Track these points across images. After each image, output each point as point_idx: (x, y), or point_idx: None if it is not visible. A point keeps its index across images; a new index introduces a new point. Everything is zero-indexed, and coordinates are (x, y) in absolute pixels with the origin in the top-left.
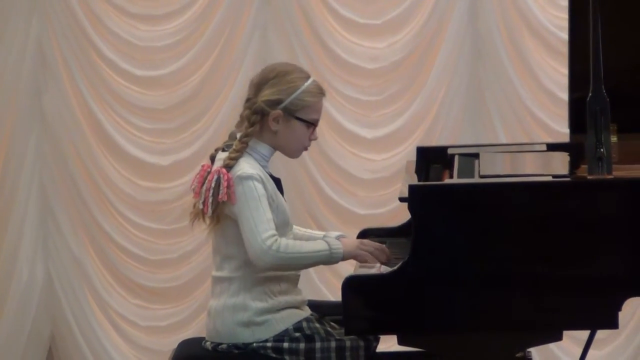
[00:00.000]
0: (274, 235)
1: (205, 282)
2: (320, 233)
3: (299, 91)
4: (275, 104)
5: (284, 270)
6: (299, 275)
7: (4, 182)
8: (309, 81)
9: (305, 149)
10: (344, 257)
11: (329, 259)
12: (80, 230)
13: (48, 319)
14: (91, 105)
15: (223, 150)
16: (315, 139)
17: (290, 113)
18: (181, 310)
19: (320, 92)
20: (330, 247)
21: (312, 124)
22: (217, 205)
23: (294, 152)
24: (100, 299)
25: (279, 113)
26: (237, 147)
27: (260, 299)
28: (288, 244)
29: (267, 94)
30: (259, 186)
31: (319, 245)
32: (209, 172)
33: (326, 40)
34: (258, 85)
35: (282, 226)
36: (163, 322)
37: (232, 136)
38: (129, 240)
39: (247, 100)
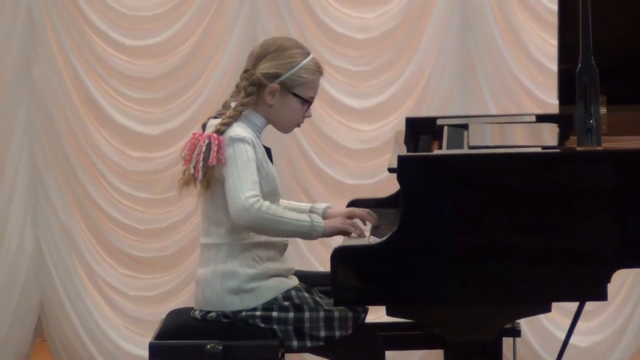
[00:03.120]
0: (257, 196)
1: (194, 252)
2: (307, 205)
3: (297, 67)
4: (272, 77)
5: (261, 233)
6: (286, 244)
7: None
8: (308, 58)
9: (298, 125)
10: (325, 233)
11: (309, 230)
12: (69, 199)
13: (37, 288)
14: (81, 75)
15: (214, 118)
16: (309, 116)
17: (287, 88)
18: (170, 280)
19: (318, 70)
20: (312, 220)
21: (307, 101)
22: (207, 170)
23: (286, 127)
24: (89, 269)
25: (275, 87)
26: (230, 114)
27: (248, 265)
28: (270, 206)
29: (265, 67)
30: (250, 149)
31: (302, 217)
32: (200, 140)
33: (316, 10)
34: (258, 57)
35: (270, 194)
36: (152, 292)
37: (226, 105)
38: (118, 209)
39: (245, 71)
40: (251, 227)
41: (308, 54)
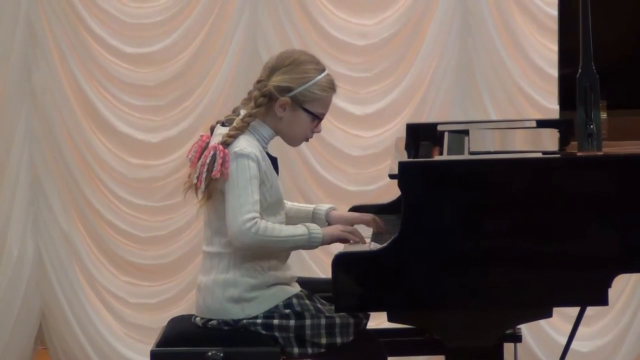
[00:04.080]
0: (254, 218)
1: (195, 260)
2: (311, 206)
3: (310, 83)
4: (285, 90)
5: (261, 251)
6: (288, 253)
7: None
8: (322, 74)
9: (307, 140)
10: (324, 241)
11: (308, 243)
12: (70, 207)
13: (38, 296)
14: (81, 83)
15: (223, 124)
16: (319, 132)
17: (299, 103)
18: (171, 288)
19: (331, 88)
20: (310, 231)
21: (317, 117)
22: (210, 182)
23: (294, 141)
24: (90, 276)
25: (287, 101)
26: (238, 126)
27: (250, 275)
28: (267, 227)
29: (278, 80)
30: (253, 166)
31: (299, 230)
32: (207, 144)
33: (316, 17)
34: (272, 69)
35: (275, 205)
36: (153, 300)
37: (235, 111)
38: (119, 217)
39: (259, 81)
40: (249, 248)
41: (323, 70)
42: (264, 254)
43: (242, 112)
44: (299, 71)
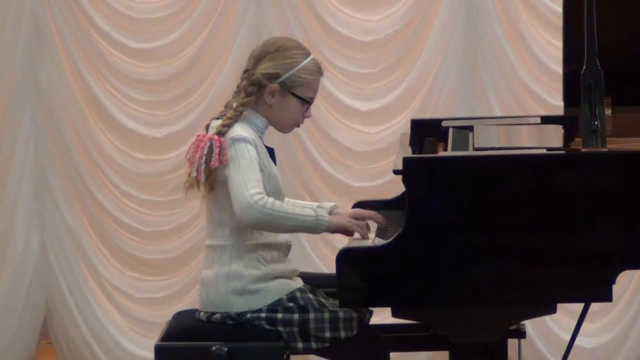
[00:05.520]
0: (261, 193)
1: (200, 254)
2: (314, 204)
3: (297, 67)
4: (272, 77)
5: (267, 230)
6: (290, 245)
7: None
8: (309, 59)
9: (298, 125)
10: (329, 228)
11: (314, 225)
12: (74, 201)
13: (43, 290)
14: (86, 77)
15: (217, 119)
16: (309, 116)
17: (287, 88)
18: (175, 282)
19: (318, 71)
20: (317, 215)
21: (307, 102)
22: (209, 172)
23: (285, 127)
24: (95, 271)
25: (275, 87)
26: (231, 115)
27: (252, 267)
28: (275, 202)
29: (265, 67)
30: (251, 148)
31: (307, 211)
32: (202, 143)
33: (321, 13)
34: (258, 57)
35: (274, 194)
36: (157, 294)
37: (227, 106)
38: (123, 212)
39: (246, 71)
40: (256, 224)
41: (308, 54)
42: (264, 244)
43: (234, 105)
44: (285, 57)
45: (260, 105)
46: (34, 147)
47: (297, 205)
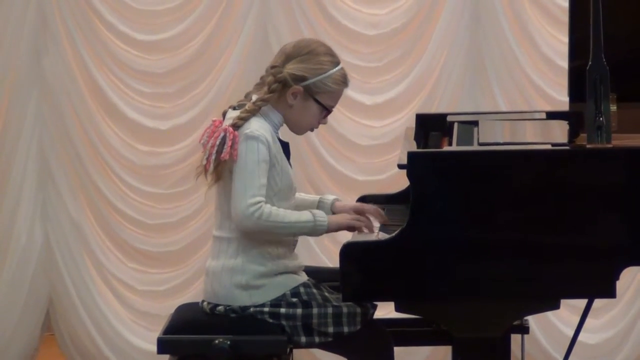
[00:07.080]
0: (258, 203)
1: (204, 247)
2: (316, 197)
3: (324, 75)
4: (299, 79)
5: (267, 237)
6: (296, 241)
7: (2, 145)
8: (337, 68)
9: (312, 129)
10: (329, 229)
11: (313, 230)
12: (78, 193)
13: (46, 282)
14: (91, 69)
15: (235, 109)
16: (325, 123)
17: (310, 93)
18: (179, 275)
19: (344, 82)
20: (315, 218)
21: (327, 109)
22: (218, 163)
23: (300, 130)
24: (98, 263)
25: (299, 89)
26: (249, 108)
27: (258, 262)
28: (271, 213)
29: (294, 68)
30: (263, 149)
31: (304, 216)
32: (219, 128)
33: (327, 6)
34: (288, 56)
35: (286, 190)
36: (161, 287)
37: (247, 96)
38: (128, 204)
39: (273, 67)
40: (252, 233)
41: (338, 63)
42: (271, 240)
43: (254, 97)
44: (315, 62)
45: (281, 103)
46: (38, 139)
47: (294, 211)
